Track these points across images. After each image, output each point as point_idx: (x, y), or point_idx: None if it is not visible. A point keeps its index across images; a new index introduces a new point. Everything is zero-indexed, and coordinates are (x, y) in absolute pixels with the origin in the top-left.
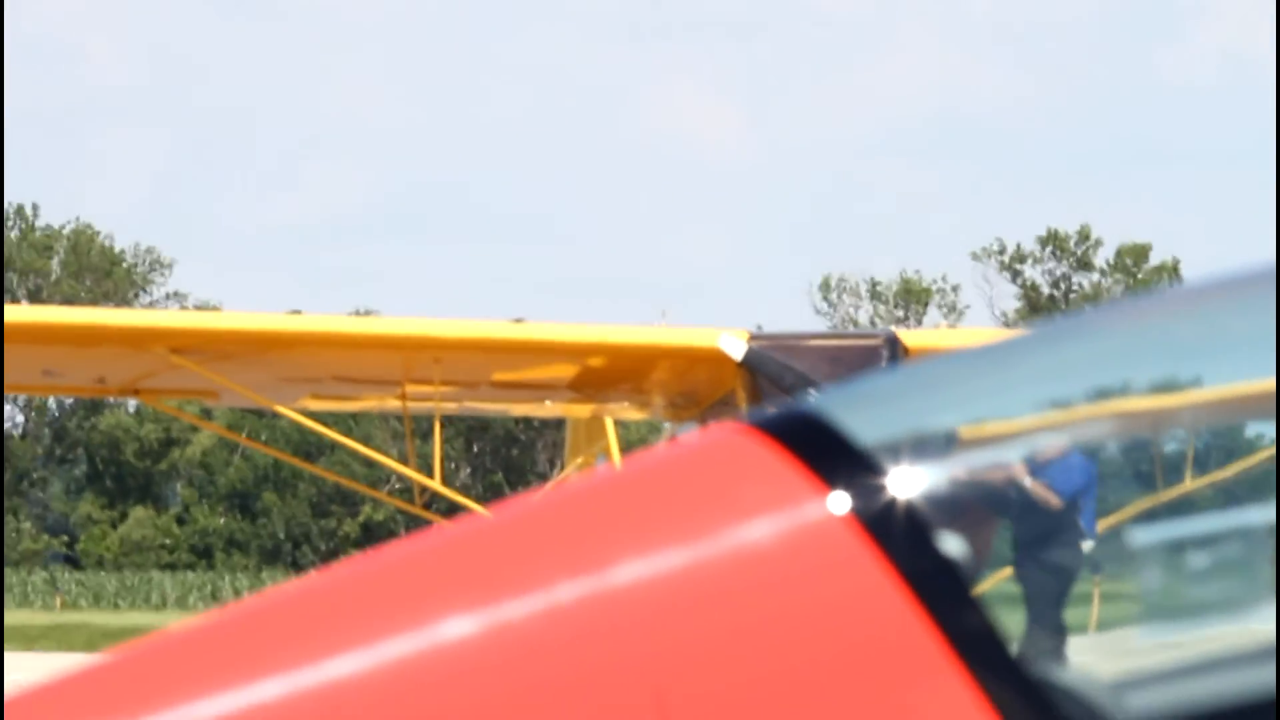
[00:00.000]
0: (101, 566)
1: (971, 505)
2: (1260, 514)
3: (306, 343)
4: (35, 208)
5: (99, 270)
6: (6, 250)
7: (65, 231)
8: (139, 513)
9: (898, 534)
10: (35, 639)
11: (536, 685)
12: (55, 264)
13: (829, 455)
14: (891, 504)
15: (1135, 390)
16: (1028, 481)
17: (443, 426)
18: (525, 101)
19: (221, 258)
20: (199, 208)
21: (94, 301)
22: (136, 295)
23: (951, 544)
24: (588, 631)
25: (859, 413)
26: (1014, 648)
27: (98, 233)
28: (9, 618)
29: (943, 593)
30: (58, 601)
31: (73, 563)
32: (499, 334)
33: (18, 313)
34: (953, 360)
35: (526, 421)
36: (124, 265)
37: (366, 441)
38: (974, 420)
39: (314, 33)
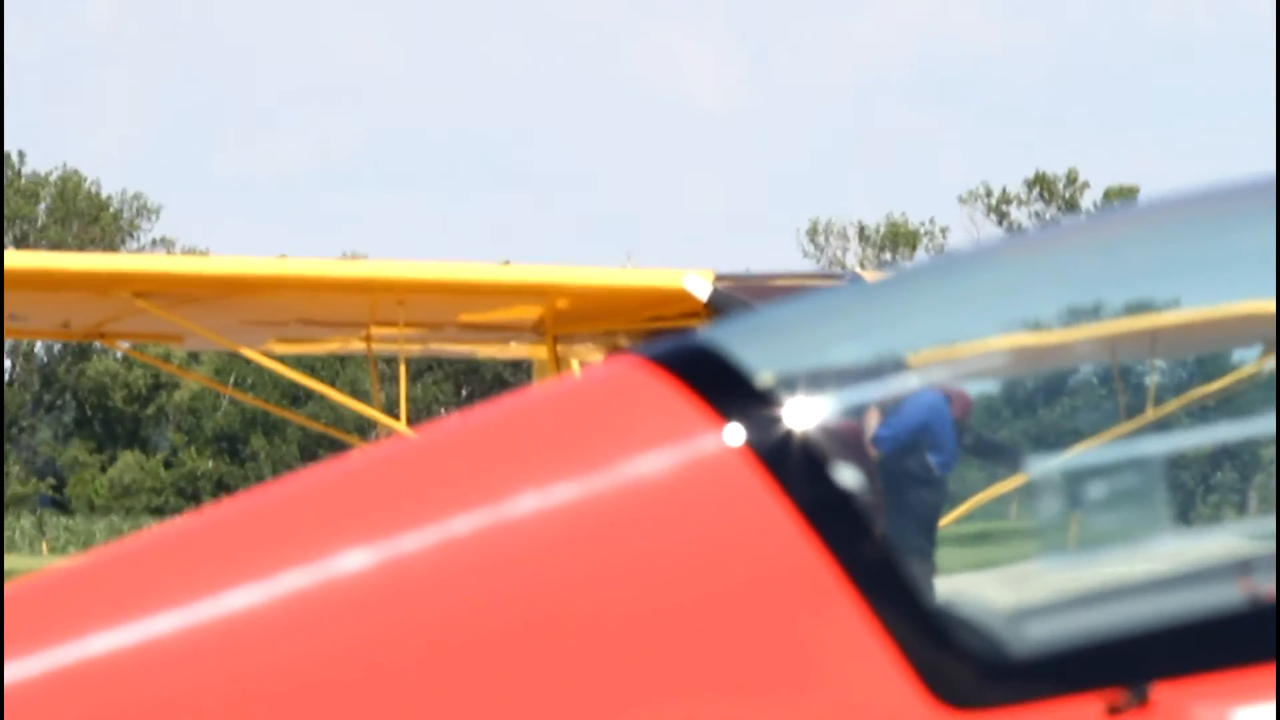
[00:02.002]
0: (91, 510)
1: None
2: (1155, 445)
3: (270, 286)
4: (22, 155)
5: (86, 216)
6: None
7: (52, 178)
8: (128, 457)
9: (792, 465)
10: None
11: (430, 618)
12: (42, 210)
13: (723, 387)
14: (787, 436)
15: (1044, 320)
16: (871, 423)
17: (430, 370)
18: (519, 47)
19: (210, 204)
20: (188, 153)
21: (81, 247)
22: (123, 241)
23: (849, 475)
24: (481, 564)
25: (754, 344)
26: (911, 578)
27: (85, 178)
28: None
29: (838, 524)
30: (44, 546)
31: (61, 507)
32: (463, 275)
33: None
34: (852, 292)
35: (515, 365)
36: (111, 211)
37: (354, 385)
38: (871, 352)
39: None
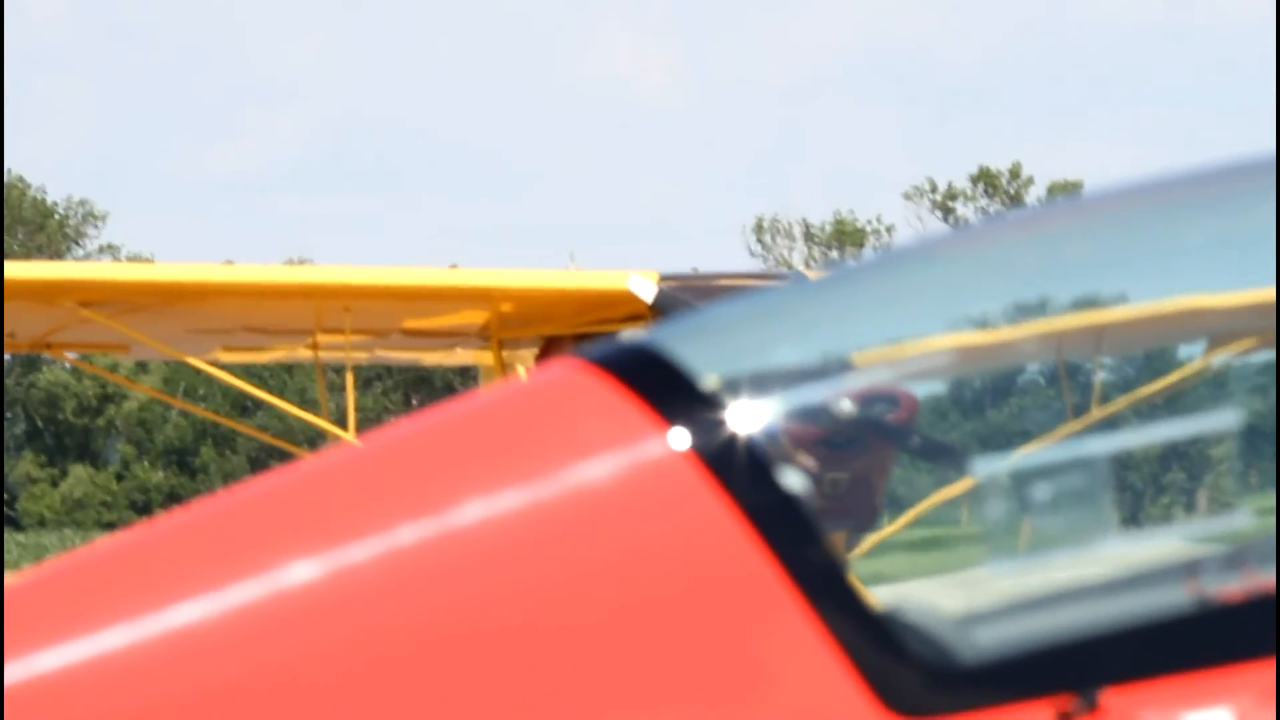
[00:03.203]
0: (43, 525)
1: (844, 442)
2: (1103, 445)
3: (215, 293)
4: None
5: (31, 224)
6: None
7: None
8: (79, 471)
9: (737, 469)
10: None
11: (378, 627)
12: None
13: (667, 390)
14: (731, 439)
15: (990, 317)
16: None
17: (380, 379)
18: (461, 49)
19: (156, 209)
20: (133, 158)
21: (27, 255)
22: (70, 248)
23: (795, 479)
24: (427, 573)
25: (698, 346)
26: (857, 583)
27: (29, 185)
28: None
29: (784, 528)
30: None
31: (13, 523)
32: (408, 280)
33: None
34: (796, 291)
35: (464, 372)
36: (56, 218)
37: (303, 394)
38: (816, 353)
39: None
